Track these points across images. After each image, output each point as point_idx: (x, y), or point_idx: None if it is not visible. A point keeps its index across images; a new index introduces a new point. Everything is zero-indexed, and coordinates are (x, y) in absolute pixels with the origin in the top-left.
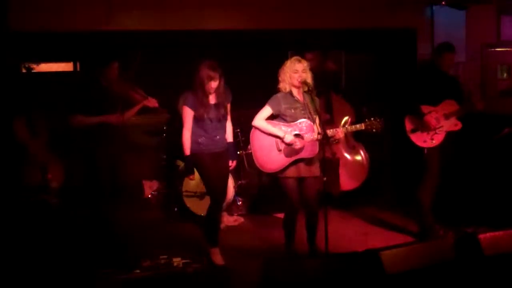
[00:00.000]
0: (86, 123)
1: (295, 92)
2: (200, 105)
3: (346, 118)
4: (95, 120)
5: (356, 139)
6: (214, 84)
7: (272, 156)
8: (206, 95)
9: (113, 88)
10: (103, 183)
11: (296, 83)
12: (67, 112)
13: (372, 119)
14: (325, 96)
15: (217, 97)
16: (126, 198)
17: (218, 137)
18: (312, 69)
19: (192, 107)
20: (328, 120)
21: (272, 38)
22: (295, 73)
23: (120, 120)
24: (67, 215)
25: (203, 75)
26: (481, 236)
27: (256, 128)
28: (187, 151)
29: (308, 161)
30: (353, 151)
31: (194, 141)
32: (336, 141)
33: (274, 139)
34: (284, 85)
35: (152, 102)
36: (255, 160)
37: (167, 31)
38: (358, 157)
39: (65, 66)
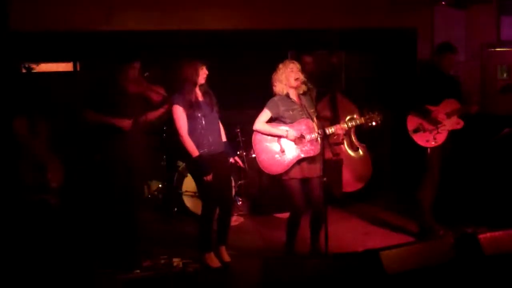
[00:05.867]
0: (96, 120)
1: (291, 94)
2: (190, 101)
3: (350, 116)
4: (106, 121)
5: (359, 141)
6: (204, 71)
7: (275, 158)
8: (194, 92)
9: (129, 88)
10: (119, 185)
11: (294, 82)
12: (81, 105)
13: (370, 113)
14: (330, 95)
15: (204, 93)
16: (130, 198)
17: (214, 135)
18: (314, 69)
19: (182, 105)
20: (332, 118)
21: (272, 38)
22: (291, 71)
23: (130, 126)
24: (67, 215)
25: (191, 66)
26: (481, 236)
27: (258, 131)
28: (195, 152)
29: (311, 161)
30: (357, 152)
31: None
32: (341, 142)
33: (275, 141)
34: (281, 87)
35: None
36: (259, 164)
37: (167, 31)
38: (362, 158)
39: (65, 66)
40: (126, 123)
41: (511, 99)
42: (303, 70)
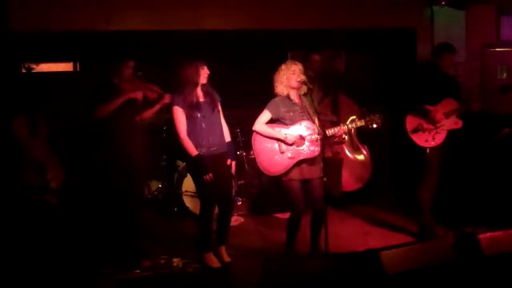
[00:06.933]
0: (110, 110)
1: (292, 95)
2: (190, 102)
3: (352, 117)
4: (120, 101)
5: (360, 141)
6: (205, 71)
7: (275, 159)
8: (195, 92)
9: (124, 87)
10: (118, 184)
11: (295, 84)
12: (82, 106)
13: (371, 114)
14: (332, 96)
15: (205, 94)
16: (130, 198)
17: (215, 135)
18: (319, 69)
19: (182, 106)
20: (334, 118)
21: (272, 38)
22: (293, 74)
23: (142, 97)
24: (67, 215)
25: (192, 66)
26: (481, 236)
27: (257, 132)
28: (194, 152)
29: (311, 162)
30: (357, 152)
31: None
32: (342, 141)
33: (276, 142)
34: (281, 88)
35: (168, 98)
36: (258, 165)
37: (167, 31)
38: (362, 158)
39: (65, 66)
40: (138, 94)
41: (511, 99)
42: (312, 69)
